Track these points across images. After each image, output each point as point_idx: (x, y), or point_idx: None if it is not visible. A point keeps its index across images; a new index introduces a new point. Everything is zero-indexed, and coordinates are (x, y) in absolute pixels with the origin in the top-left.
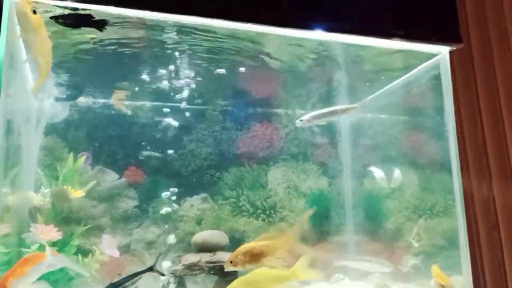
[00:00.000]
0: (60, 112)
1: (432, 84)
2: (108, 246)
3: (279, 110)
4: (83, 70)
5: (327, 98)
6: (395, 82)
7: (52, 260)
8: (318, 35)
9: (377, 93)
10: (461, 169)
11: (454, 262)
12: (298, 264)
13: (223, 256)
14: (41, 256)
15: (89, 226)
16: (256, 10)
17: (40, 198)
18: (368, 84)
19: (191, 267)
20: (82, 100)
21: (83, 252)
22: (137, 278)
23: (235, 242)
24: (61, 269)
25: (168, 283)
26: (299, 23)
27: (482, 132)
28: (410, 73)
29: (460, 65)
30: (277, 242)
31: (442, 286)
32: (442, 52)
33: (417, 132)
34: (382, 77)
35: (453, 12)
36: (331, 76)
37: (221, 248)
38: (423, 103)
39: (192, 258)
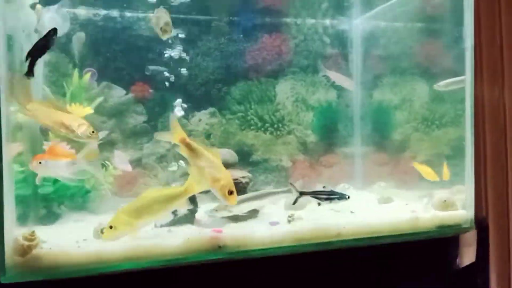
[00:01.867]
0: (61, 26)
1: None
2: (120, 161)
3: (288, 20)
4: None
5: (338, 6)
6: None
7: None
8: None
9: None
10: (475, 74)
11: (459, 170)
12: (190, 179)
13: (232, 174)
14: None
15: (100, 142)
16: None
17: None
18: None
19: None
20: (82, 12)
21: None
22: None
23: (244, 155)
24: (77, 184)
25: None
26: None
27: (500, 35)
28: None
29: None
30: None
31: (444, 201)
32: None
33: (431, 41)
34: None
35: None
36: None
37: (230, 165)
38: (440, 10)
39: None
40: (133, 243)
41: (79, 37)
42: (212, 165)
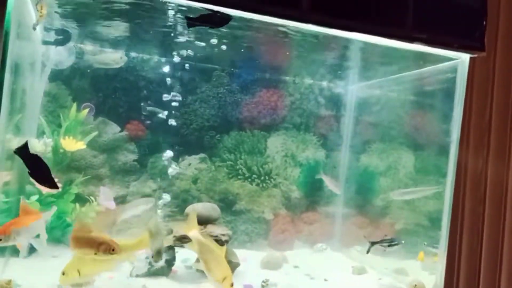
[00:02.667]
0: (66, 59)
1: (445, 77)
2: (105, 198)
3: (286, 78)
4: (91, 20)
5: (337, 70)
6: (409, 72)
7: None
8: (338, 32)
9: (390, 77)
10: (461, 144)
11: (433, 242)
12: (144, 234)
13: (213, 230)
14: (39, 215)
15: (88, 176)
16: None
17: (42, 146)
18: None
19: (181, 239)
20: (89, 49)
21: (81, 200)
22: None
23: (228, 203)
24: (59, 217)
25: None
26: (320, 21)
27: (491, 107)
28: (425, 68)
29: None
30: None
31: (415, 285)
32: (461, 57)
33: (421, 113)
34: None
35: (480, 19)
36: (343, 50)
37: (213, 220)
38: (433, 91)
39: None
40: None
41: None
42: (217, 260)
